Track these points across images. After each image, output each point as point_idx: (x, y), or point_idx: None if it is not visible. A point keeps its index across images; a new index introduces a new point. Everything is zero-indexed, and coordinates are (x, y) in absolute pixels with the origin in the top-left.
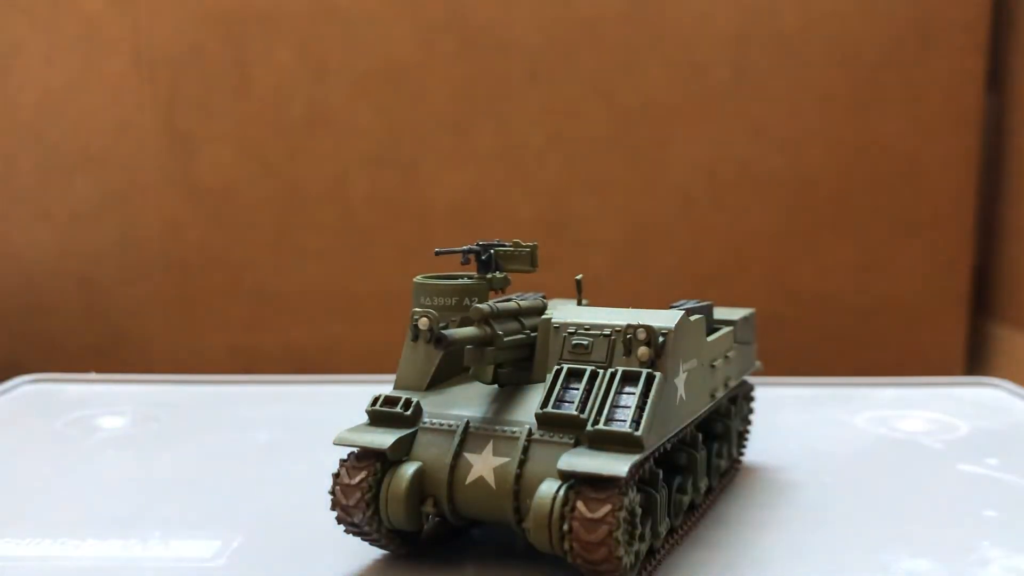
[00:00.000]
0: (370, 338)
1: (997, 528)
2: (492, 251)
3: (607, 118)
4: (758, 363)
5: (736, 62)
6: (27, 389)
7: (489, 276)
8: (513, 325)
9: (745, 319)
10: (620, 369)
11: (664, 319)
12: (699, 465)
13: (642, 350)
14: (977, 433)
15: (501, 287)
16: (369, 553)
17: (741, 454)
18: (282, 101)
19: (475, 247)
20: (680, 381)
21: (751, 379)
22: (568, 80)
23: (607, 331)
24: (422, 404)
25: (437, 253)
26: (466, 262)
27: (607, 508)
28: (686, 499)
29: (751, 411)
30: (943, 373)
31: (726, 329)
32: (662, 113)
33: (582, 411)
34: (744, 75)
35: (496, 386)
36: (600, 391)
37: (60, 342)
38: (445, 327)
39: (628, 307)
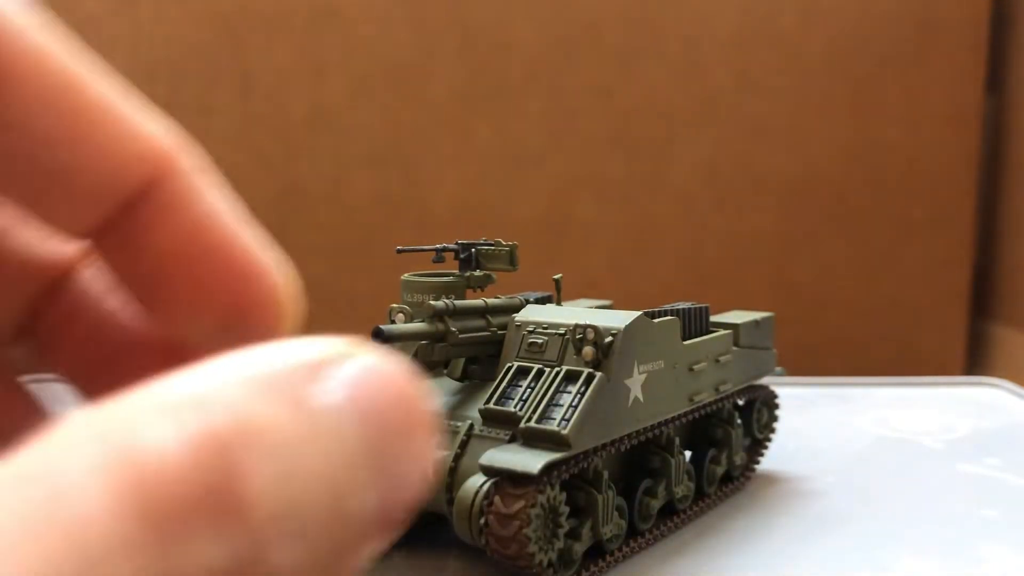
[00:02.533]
0: (370, 337)
1: (997, 528)
2: (473, 250)
3: (607, 118)
4: (779, 369)
5: (736, 62)
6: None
7: (467, 274)
8: (477, 322)
9: (756, 323)
10: (564, 368)
11: (619, 320)
12: (674, 470)
13: (586, 350)
14: (977, 433)
15: (481, 285)
16: None
17: (756, 462)
18: (282, 101)
19: (451, 246)
20: (635, 383)
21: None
22: (568, 80)
23: (562, 330)
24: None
25: (399, 251)
26: (439, 260)
27: (520, 504)
28: (656, 503)
29: (773, 418)
30: (943, 373)
31: (721, 332)
32: (662, 113)
33: (521, 408)
34: (744, 75)
35: (463, 381)
36: (542, 389)
37: None
38: (393, 323)
39: (622, 308)
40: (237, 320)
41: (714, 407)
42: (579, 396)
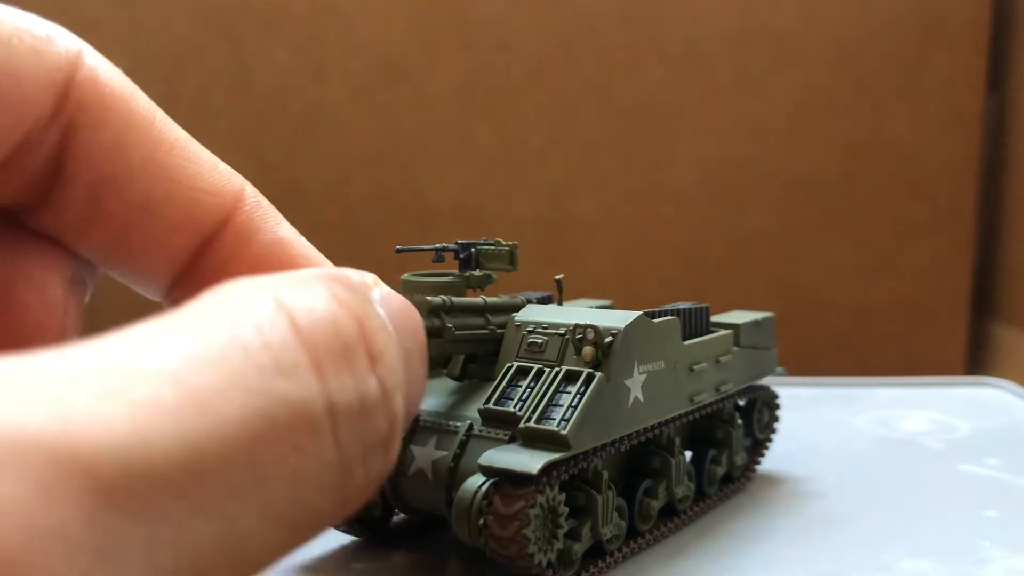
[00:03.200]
0: None
1: (997, 528)
2: (472, 250)
3: (607, 118)
4: (779, 369)
5: (736, 62)
6: None
7: (467, 274)
8: (475, 320)
9: (756, 323)
10: (564, 368)
11: (619, 320)
12: (675, 470)
13: (587, 350)
14: (977, 433)
15: (480, 285)
16: (361, 550)
17: (756, 462)
18: (282, 101)
19: (450, 246)
20: (635, 383)
21: (779, 388)
22: (568, 80)
23: (562, 330)
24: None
25: (398, 251)
26: (439, 260)
27: (520, 504)
28: (656, 504)
29: (774, 419)
30: (943, 373)
31: (721, 332)
32: (662, 113)
33: (520, 408)
34: (744, 75)
35: (462, 380)
36: (541, 389)
37: None
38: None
39: (622, 308)
40: None
41: (715, 407)
42: (579, 396)
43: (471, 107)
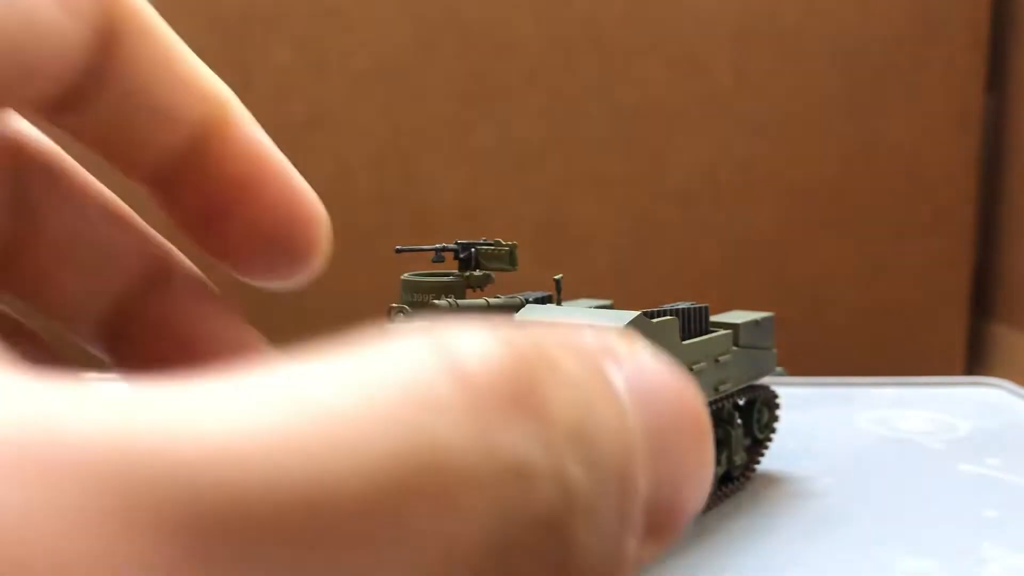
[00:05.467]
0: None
1: (997, 528)
2: (472, 250)
3: (607, 118)
4: (779, 369)
5: (736, 62)
6: None
7: (467, 274)
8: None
9: (756, 323)
10: None
11: (617, 320)
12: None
13: None
14: (977, 433)
15: (480, 284)
16: None
17: (756, 462)
18: (282, 101)
19: (450, 246)
20: None
21: (780, 388)
22: (568, 80)
23: None
24: None
25: (398, 251)
26: (439, 260)
27: None
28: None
29: (774, 418)
30: (943, 373)
31: (719, 332)
32: (662, 113)
33: None
34: (744, 75)
35: None
36: None
37: (59, 341)
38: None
39: (623, 308)
40: (286, 243)
41: (714, 407)
42: None
43: (471, 107)
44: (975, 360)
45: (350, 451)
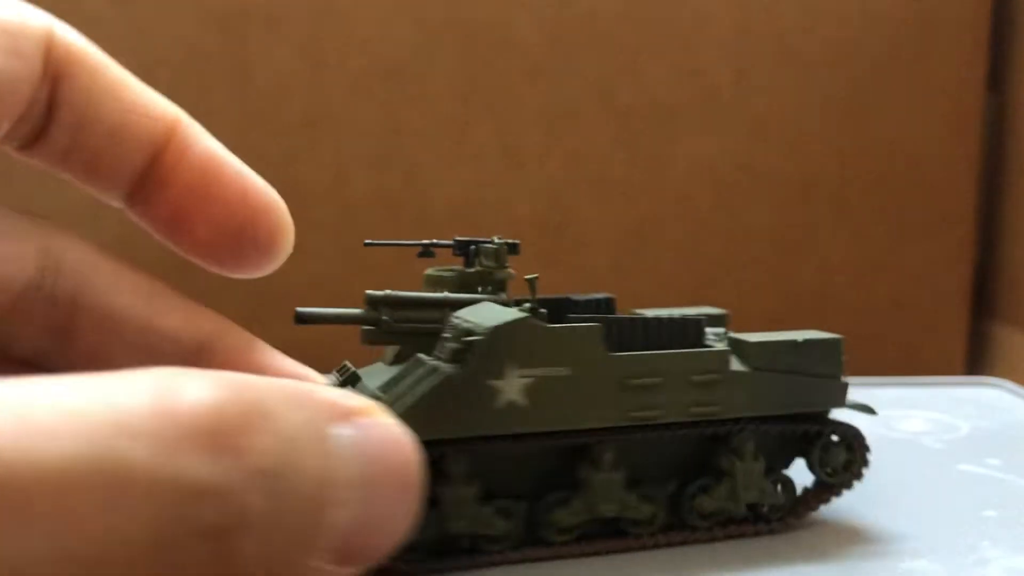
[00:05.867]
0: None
1: (997, 528)
2: (472, 247)
3: (607, 118)
4: (858, 403)
5: (736, 62)
6: None
7: (472, 269)
8: (425, 314)
9: (795, 344)
10: (433, 362)
11: (497, 320)
12: (600, 486)
13: (448, 347)
14: (977, 433)
15: (493, 281)
16: None
17: (810, 507)
18: (282, 101)
19: (441, 242)
20: (509, 385)
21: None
22: (568, 80)
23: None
24: (361, 375)
25: (366, 244)
26: (428, 255)
27: None
28: (569, 517)
29: (854, 461)
30: (943, 373)
31: (702, 350)
32: (662, 113)
33: (390, 395)
34: (744, 75)
35: (395, 367)
36: (412, 380)
37: None
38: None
39: (624, 307)
40: (248, 234)
41: (712, 432)
42: (420, 388)
43: (471, 107)
44: (975, 360)
45: (56, 448)
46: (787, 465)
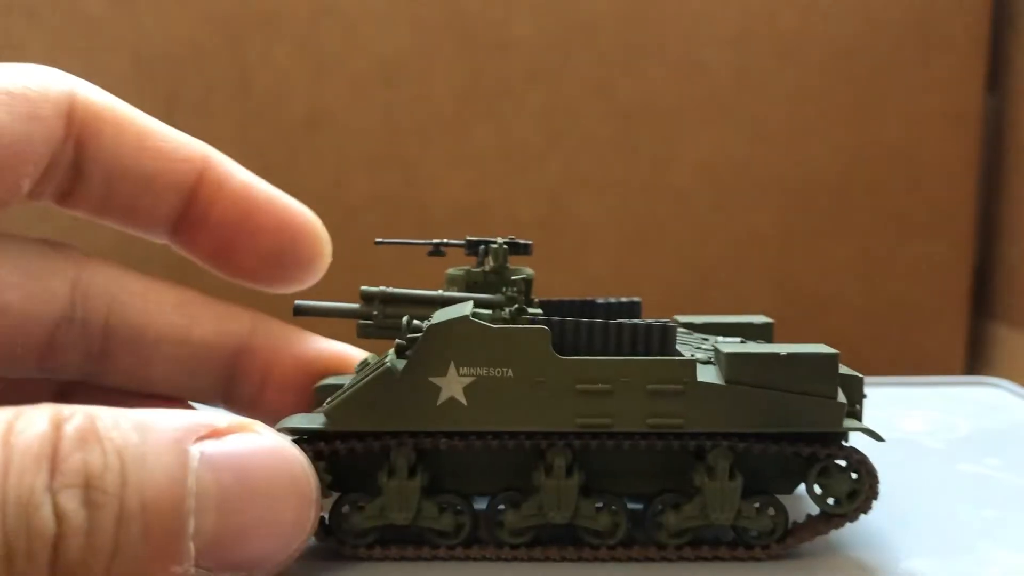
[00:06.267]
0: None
1: (997, 528)
2: (481, 247)
3: (607, 118)
4: (856, 423)
5: (736, 62)
6: None
7: (477, 269)
8: (419, 311)
9: (778, 357)
10: (389, 358)
11: (445, 317)
12: (550, 491)
13: (398, 342)
14: (977, 433)
15: (508, 280)
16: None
17: (802, 536)
18: (282, 101)
19: (453, 242)
20: (450, 383)
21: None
22: (568, 80)
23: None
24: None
25: (377, 243)
26: (438, 254)
27: None
28: (518, 520)
29: (859, 492)
30: (943, 373)
31: (665, 359)
32: (662, 113)
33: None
34: (744, 75)
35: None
36: (367, 371)
37: None
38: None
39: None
40: (290, 256)
41: (674, 445)
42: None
43: (471, 107)
44: (975, 360)
45: None
46: (788, 490)
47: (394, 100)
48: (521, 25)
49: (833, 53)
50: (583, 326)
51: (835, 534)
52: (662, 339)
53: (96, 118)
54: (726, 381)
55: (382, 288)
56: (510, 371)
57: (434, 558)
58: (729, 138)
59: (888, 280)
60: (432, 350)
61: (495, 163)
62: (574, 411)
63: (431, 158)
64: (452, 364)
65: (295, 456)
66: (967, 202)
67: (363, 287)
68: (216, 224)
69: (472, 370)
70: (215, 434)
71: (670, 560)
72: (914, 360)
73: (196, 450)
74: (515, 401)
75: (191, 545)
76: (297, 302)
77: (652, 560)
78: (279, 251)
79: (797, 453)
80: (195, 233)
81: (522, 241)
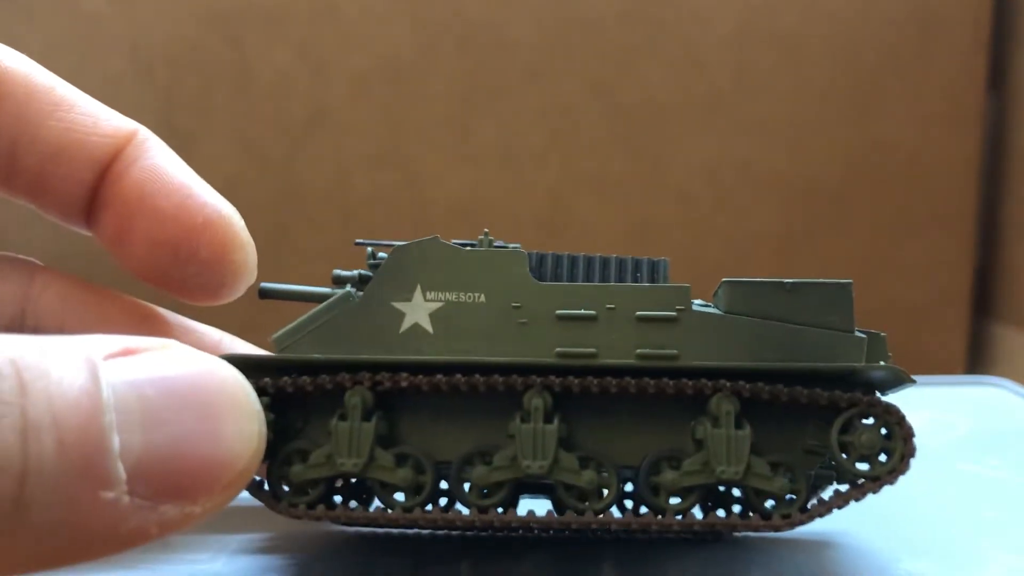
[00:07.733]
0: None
1: (997, 528)
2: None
3: (607, 118)
4: (882, 362)
5: (736, 62)
6: None
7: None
8: None
9: (783, 286)
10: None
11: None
12: (526, 438)
13: (359, 272)
14: (977, 433)
15: None
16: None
17: (824, 508)
18: (282, 100)
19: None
20: (415, 308)
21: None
22: (568, 80)
23: None
24: None
25: (357, 244)
26: None
27: None
28: (490, 474)
29: (883, 445)
30: (944, 372)
31: (652, 285)
32: (662, 113)
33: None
34: (744, 75)
35: None
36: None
37: None
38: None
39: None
40: (184, 251)
41: (670, 388)
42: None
43: (471, 107)
44: (976, 359)
45: None
46: (810, 466)
47: (394, 99)
48: (521, 25)
49: (833, 53)
50: (564, 258)
51: (834, 534)
52: (652, 273)
53: (12, 81)
54: (726, 311)
55: (359, 271)
56: (482, 296)
57: (387, 523)
58: (729, 138)
59: (889, 280)
60: (396, 272)
61: (495, 163)
62: (554, 341)
63: (431, 157)
64: (419, 288)
65: (226, 369)
66: (968, 202)
67: (335, 270)
68: (116, 205)
69: (440, 295)
70: (128, 352)
71: (669, 530)
72: (915, 359)
73: (110, 365)
74: (487, 330)
75: (120, 466)
76: (263, 284)
77: (648, 530)
78: (174, 242)
79: (816, 401)
80: (100, 213)
81: (510, 245)
